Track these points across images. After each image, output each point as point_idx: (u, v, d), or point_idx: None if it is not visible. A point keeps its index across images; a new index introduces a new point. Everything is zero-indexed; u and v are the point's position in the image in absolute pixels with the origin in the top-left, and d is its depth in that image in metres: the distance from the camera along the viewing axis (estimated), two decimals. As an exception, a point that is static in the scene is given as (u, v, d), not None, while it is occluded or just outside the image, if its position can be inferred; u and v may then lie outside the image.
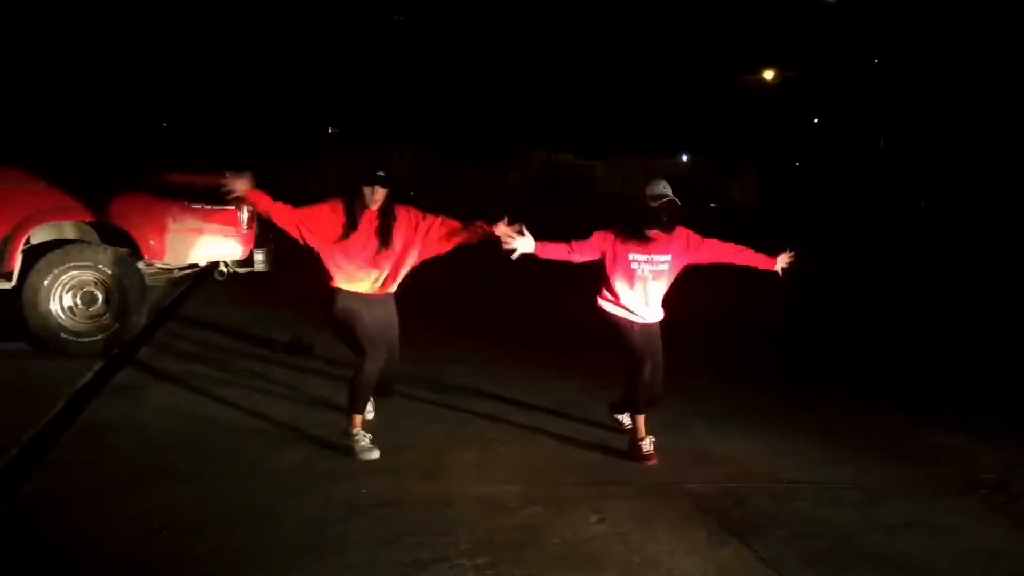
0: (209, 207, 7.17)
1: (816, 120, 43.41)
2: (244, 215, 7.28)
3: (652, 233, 5.20)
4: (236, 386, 6.36)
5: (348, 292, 5.07)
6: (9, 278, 6.93)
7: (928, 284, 14.35)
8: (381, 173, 4.98)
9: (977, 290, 13.56)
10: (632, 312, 5.34)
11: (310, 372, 6.86)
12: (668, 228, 5.21)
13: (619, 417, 5.70)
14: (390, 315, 5.25)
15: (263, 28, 29.75)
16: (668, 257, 5.30)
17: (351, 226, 5.00)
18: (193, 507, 4.25)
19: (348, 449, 5.02)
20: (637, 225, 5.24)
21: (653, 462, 5.17)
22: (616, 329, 5.36)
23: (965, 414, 6.59)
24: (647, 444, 5.25)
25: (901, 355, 8.90)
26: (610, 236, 5.30)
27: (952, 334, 9.99)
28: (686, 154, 42.84)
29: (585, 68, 36.03)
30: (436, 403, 6.18)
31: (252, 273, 7.69)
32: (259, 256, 7.48)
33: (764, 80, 39.79)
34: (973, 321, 10.88)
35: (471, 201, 11.18)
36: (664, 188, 5.21)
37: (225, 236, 7.28)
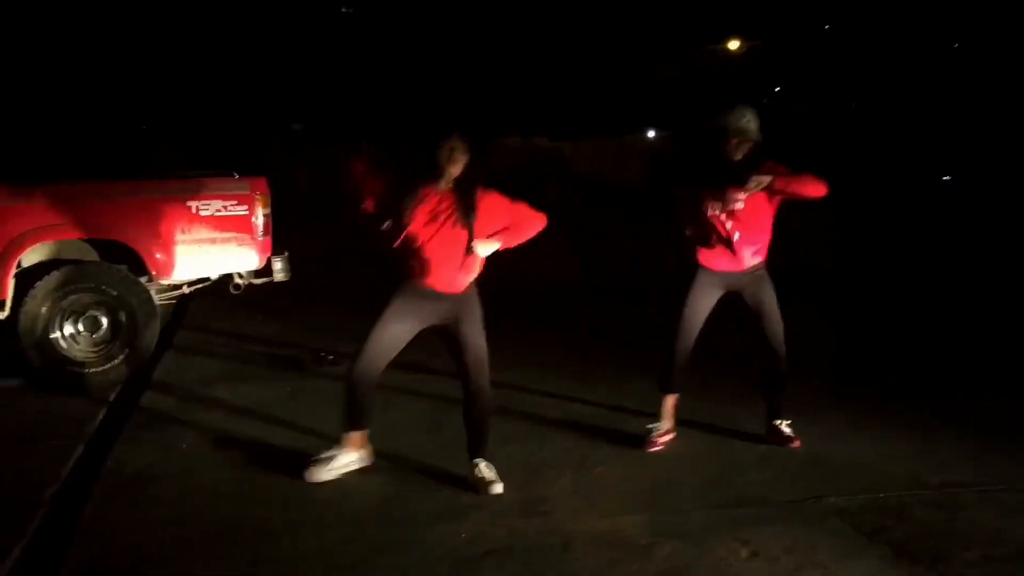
0: (220, 213, 6.43)
1: (777, 88, 43.11)
2: (259, 220, 6.54)
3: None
4: (270, 412, 5.59)
5: None
6: (1, 307, 6.12)
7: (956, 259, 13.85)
8: None
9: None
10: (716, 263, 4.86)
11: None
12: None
13: (779, 425, 5.02)
14: None
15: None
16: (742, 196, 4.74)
17: None
18: (277, 572, 3.55)
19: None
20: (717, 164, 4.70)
21: (656, 448, 4.90)
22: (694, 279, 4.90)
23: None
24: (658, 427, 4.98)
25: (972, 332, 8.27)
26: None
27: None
28: (652, 130, 42.35)
29: (548, 48, 35.34)
30: (502, 416, 5.47)
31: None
32: (278, 264, 6.74)
33: (729, 51, 39.37)
34: None
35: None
36: (744, 121, 4.64)
37: (239, 245, 6.53)
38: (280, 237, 6.90)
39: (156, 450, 4.94)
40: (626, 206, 18.32)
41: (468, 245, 4.23)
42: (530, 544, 3.78)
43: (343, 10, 37.83)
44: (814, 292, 9.55)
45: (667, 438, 4.99)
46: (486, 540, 3.81)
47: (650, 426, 5.01)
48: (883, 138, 32.11)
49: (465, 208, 4.23)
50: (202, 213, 6.41)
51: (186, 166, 7.21)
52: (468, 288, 4.37)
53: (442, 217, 4.23)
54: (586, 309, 9.09)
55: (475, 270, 4.36)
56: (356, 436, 4.52)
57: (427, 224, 4.23)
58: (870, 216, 17.46)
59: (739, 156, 4.69)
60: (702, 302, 4.94)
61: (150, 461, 4.77)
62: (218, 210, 6.43)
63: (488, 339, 4.39)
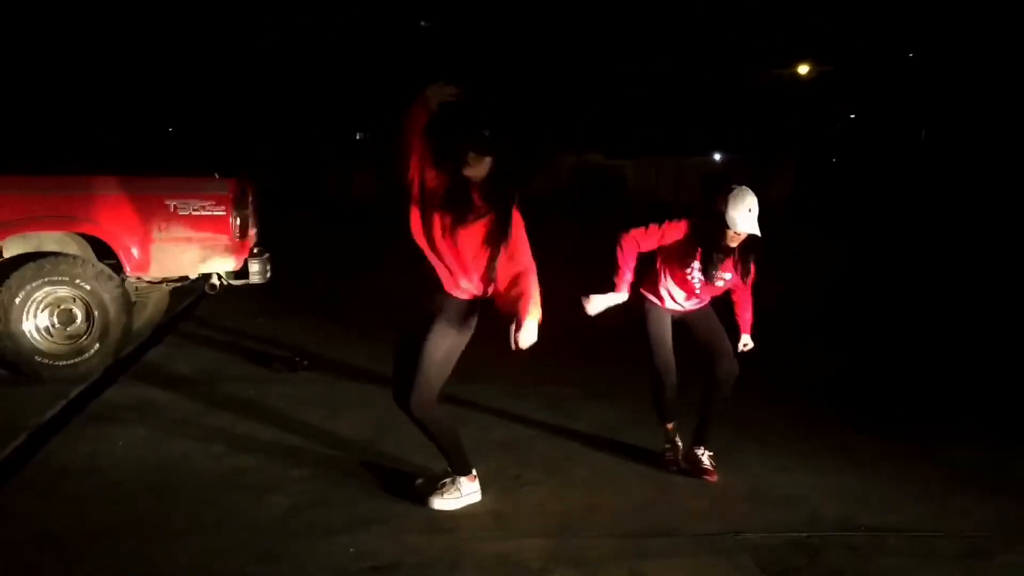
0: (198, 213, 6.46)
1: (852, 116, 42.26)
2: (236, 221, 6.55)
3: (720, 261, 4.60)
4: (225, 415, 5.59)
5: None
6: (-24, 297, 6.25)
7: (975, 283, 13.36)
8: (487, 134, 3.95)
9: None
10: (672, 300, 4.77)
11: (313, 395, 6.10)
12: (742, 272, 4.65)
13: (698, 453, 4.83)
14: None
15: (286, 30, 29.16)
16: (728, 276, 4.67)
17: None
18: (149, 573, 3.49)
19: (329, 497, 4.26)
20: (709, 243, 4.56)
21: (675, 468, 4.82)
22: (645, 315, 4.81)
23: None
24: (669, 449, 4.87)
25: (967, 366, 7.93)
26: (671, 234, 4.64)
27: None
28: (718, 152, 41.85)
29: (612, 66, 35.14)
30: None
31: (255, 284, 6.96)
32: (254, 267, 6.73)
33: (798, 75, 38.71)
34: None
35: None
36: (747, 218, 4.45)
37: (216, 245, 6.55)
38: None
39: (92, 445, 4.95)
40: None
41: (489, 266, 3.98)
42: (420, 562, 3.67)
43: (422, 24, 38.27)
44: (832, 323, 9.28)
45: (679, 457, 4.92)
46: (376, 555, 3.70)
47: (667, 445, 4.94)
48: (952, 167, 31.29)
49: (500, 227, 3.96)
50: (180, 212, 6.44)
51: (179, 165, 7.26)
52: (468, 299, 4.11)
53: (472, 226, 3.97)
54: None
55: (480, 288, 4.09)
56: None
57: (454, 226, 3.97)
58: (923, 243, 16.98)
59: (734, 245, 4.60)
60: (662, 328, 4.83)
61: (81, 456, 4.78)
62: (196, 209, 6.46)
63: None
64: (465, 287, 4.05)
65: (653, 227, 4.66)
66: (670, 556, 3.78)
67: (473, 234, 3.97)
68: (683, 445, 4.90)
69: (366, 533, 3.92)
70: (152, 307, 7.82)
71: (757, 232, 4.48)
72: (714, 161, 41.44)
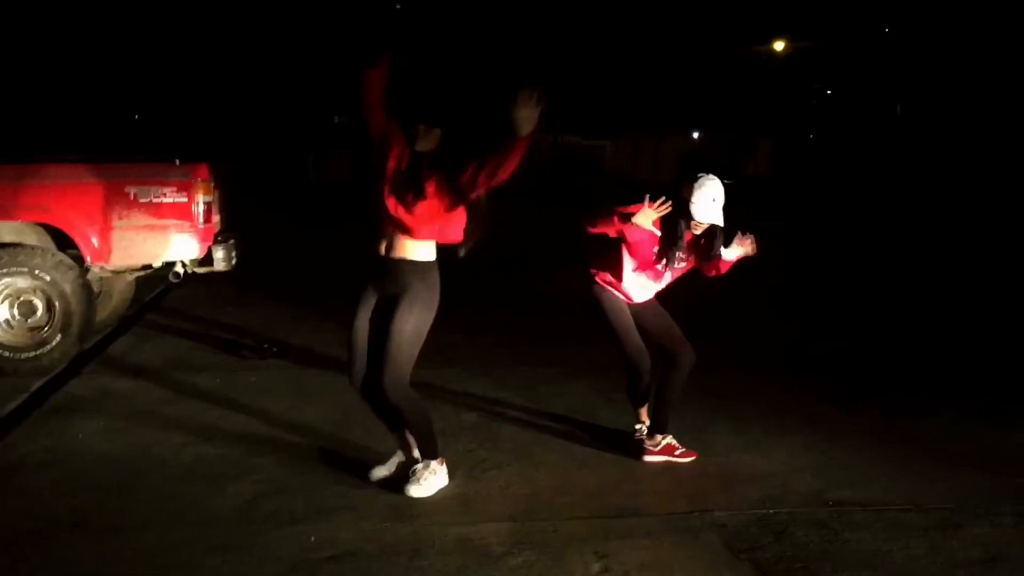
0: (159, 200, 6.34)
1: (829, 92, 42.27)
2: (200, 208, 6.43)
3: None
4: (190, 405, 5.51)
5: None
6: (-66, 290, 6.13)
7: (950, 262, 13.40)
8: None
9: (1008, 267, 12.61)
10: (629, 295, 4.69)
11: (281, 383, 6.02)
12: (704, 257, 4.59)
13: (644, 438, 4.78)
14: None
15: (260, 13, 28.85)
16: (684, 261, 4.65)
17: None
18: (96, 570, 3.41)
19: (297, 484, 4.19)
20: (672, 229, 4.50)
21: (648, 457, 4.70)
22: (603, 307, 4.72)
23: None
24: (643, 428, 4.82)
25: (940, 342, 7.94)
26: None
27: (994, 317, 9.06)
28: (697, 131, 41.79)
29: (587, 44, 34.98)
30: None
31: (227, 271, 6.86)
32: (218, 254, 6.61)
33: (774, 51, 38.69)
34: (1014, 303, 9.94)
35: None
36: (710, 208, 4.39)
37: (179, 232, 6.43)
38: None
39: (50, 438, 4.85)
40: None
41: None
42: (380, 549, 3.60)
43: (396, 6, 37.96)
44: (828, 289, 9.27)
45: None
46: (335, 544, 3.63)
47: (636, 427, 4.89)
48: (928, 142, 31.36)
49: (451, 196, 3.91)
50: (140, 199, 6.32)
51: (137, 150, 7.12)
52: (411, 264, 4.00)
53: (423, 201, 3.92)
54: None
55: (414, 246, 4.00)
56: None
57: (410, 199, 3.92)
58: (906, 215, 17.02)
59: (698, 232, 4.56)
60: (623, 316, 4.76)
61: (38, 449, 4.68)
62: (156, 196, 6.34)
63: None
64: (420, 248, 4.00)
65: (613, 218, 4.56)
66: (635, 536, 3.72)
67: (426, 207, 3.92)
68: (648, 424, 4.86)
69: (328, 521, 3.85)
70: (117, 297, 7.69)
71: (719, 223, 4.43)
72: (692, 139, 41.47)
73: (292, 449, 4.74)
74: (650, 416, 4.79)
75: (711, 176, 4.45)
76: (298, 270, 11.30)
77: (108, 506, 4.01)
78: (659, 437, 4.68)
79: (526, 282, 10.17)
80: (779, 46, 38.50)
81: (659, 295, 4.81)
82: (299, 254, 12.78)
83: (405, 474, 4.22)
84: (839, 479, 4.38)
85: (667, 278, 4.69)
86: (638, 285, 4.69)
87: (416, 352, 4.04)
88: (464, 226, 4.02)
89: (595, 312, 4.76)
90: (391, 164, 3.96)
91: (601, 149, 37.18)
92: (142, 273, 6.81)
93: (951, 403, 5.81)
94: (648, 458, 4.62)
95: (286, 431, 5.05)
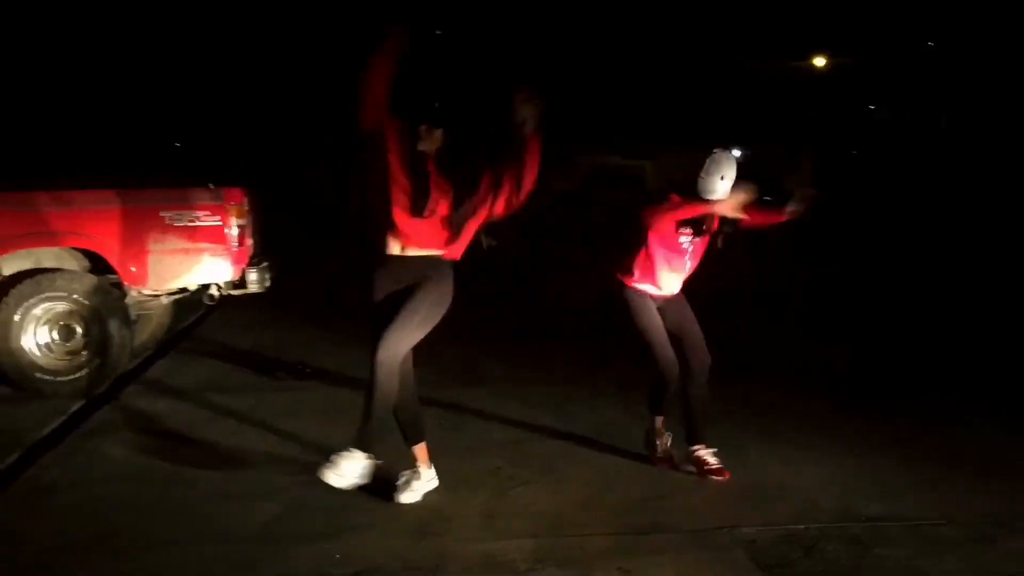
0: (194, 224, 6.43)
1: (872, 106, 41.82)
2: (233, 231, 6.51)
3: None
4: (222, 426, 5.56)
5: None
6: (-25, 315, 6.26)
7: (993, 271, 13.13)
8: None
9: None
10: (658, 287, 4.69)
11: (313, 403, 6.05)
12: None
13: (702, 453, 4.68)
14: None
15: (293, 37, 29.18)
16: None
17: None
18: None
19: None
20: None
21: (664, 466, 4.73)
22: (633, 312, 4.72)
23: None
24: (662, 442, 4.76)
25: (976, 351, 7.77)
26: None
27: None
28: (738, 148, 41.63)
29: (624, 65, 34.98)
30: (444, 431, 5.30)
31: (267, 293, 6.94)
32: (252, 276, 6.67)
33: (814, 67, 38.39)
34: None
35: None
36: (719, 185, 4.42)
37: (213, 256, 6.51)
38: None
39: (84, 459, 4.92)
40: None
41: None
42: (404, 565, 3.60)
43: (436, 32, 38.38)
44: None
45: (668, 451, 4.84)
46: (359, 560, 3.64)
47: (657, 441, 4.86)
48: (974, 155, 30.88)
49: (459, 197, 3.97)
50: (175, 224, 6.42)
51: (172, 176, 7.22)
52: (426, 259, 4.06)
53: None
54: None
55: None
56: (420, 449, 4.32)
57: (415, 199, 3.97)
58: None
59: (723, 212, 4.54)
60: (653, 316, 4.74)
61: (71, 470, 4.75)
62: (191, 220, 6.43)
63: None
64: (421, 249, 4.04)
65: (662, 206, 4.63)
66: (662, 553, 3.68)
67: (436, 223, 3.98)
68: (666, 441, 4.85)
69: (353, 538, 3.85)
70: (155, 321, 7.78)
71: (722, 198, 4.41)
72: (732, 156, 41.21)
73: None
74: (687, 429, 4.74)
75: (726, 152, 4.45)
76: (335, 290, 11.39)
77: (136, 525, 4.04)
78: (697, 451, 4.63)
79: (555, 297, 10.15)
80: (819, 62, 38.21)
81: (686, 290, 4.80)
82: (335, 274, 12.87)
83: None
84: (870, 493, 4.30)
85: (689, 258, 4.68)
86: (667, 269, 4.67)
87: (416, 339, 4.06)
88: (469, 240, 4.05)
89: (625, 319, 4.75)
90: (394, 167, 3.93)
91: (641, 169, 37.08)
92: (179, 296, 6.90)
93: (983, 411, 5.68)
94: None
95: (314, 451, 5.04)
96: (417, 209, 3.91)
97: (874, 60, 36.66)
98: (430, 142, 3.96)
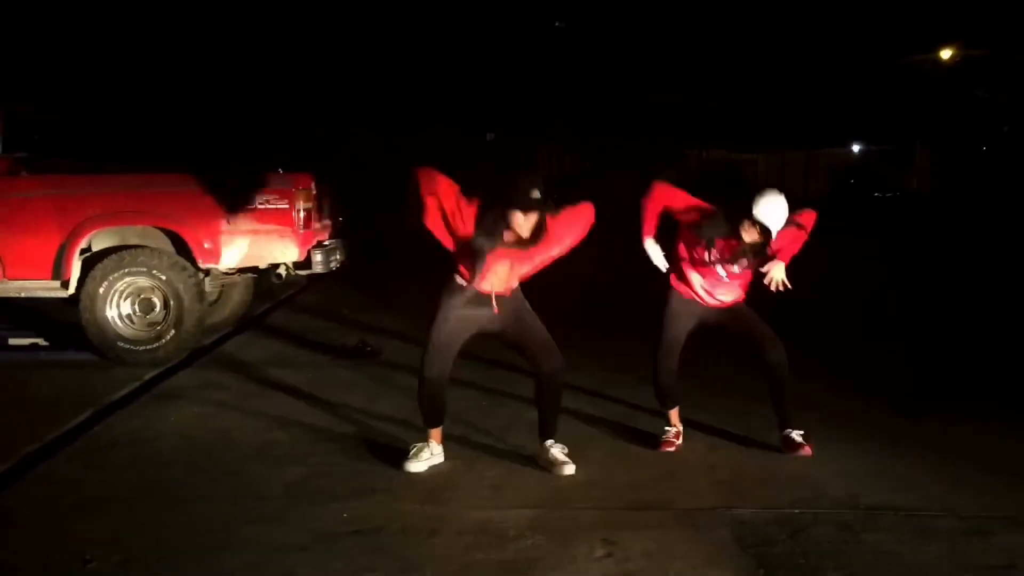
0: (263, 207, 6.83)
1: (1005, 100, 39.93)
2: (300, 214, 6.88)
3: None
4: (277, 396, 5.92)
5: None
6: (67, 286, 6.80)
7: None
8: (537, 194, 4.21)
9: None
10: (699, 295, 4.80)
11: (367, 379, 6.36)
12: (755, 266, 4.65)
13: (790, 434, 4.78)
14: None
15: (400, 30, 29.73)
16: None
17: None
18: (148, 535, 3.76)
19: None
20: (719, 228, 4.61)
21: (670, 448, 4.84)
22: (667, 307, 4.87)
23: None
24: (672, 432, 4.90)
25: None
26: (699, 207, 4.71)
27: None
28: (856, 143, 40.35)
29: (737, 54, 34.37)
30: (482, 412, 5.53)
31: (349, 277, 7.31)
32: (317, 257, 7.05)
33: (939, 59, 36.90)
34: None
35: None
36: (770, 210, 4.44)
37: (281, 237, 6.90)
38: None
39: (145, 420, 5.36)
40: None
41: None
42: (403, 527, 3.83)
43: (556, 24, 38.49)
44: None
45: (679, 440, 4.94)
46: (364, 520, 3.88)
47: (666, 428, 4.98)
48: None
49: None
50: (246, 206, 6.82)
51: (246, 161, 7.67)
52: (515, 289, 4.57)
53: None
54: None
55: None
56: (435, 431, 4.65)
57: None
58: None
59: (748, 239, 4.58)
60: (679, 327, 4.88)
61: (132, 429, 5.17)
62: (261, 203, 6.82)
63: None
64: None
65: (685, 193, 4.74)
66: (649, 528, 3.80)
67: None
68: (677, 428, 4.98)
69: (365, 501, 4.10)
70: (235, 299, 8.26)
71: (772, 227, 4.42)
72: (850, 152, 40.05)
73: (354, 438, 5.03)
74: (776, 413, 4.84)
75: (777, 192, 4.49)
76: (415, 276, 11.76)
77: (176, 480, 4.41)
78: (786, 432, 4.75)
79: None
80: (946, 54, 36.72)
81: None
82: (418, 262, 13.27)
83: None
84: (883, 485, 4.28)
85: (725, 280, 4.72)
86: (699, 284, 4.75)
87: (436, 336, 4.48)
88: None
89: (658, 310, 4.88)
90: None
91: (752, 163, 36.47)
92: (252, 275, 7.33)
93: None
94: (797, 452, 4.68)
95: (355, 422, 5.36)
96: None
97: (1005, 52, 35.01)
98: (526, 226, 4.26)
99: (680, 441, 4.92)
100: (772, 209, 4.41)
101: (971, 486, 4.30)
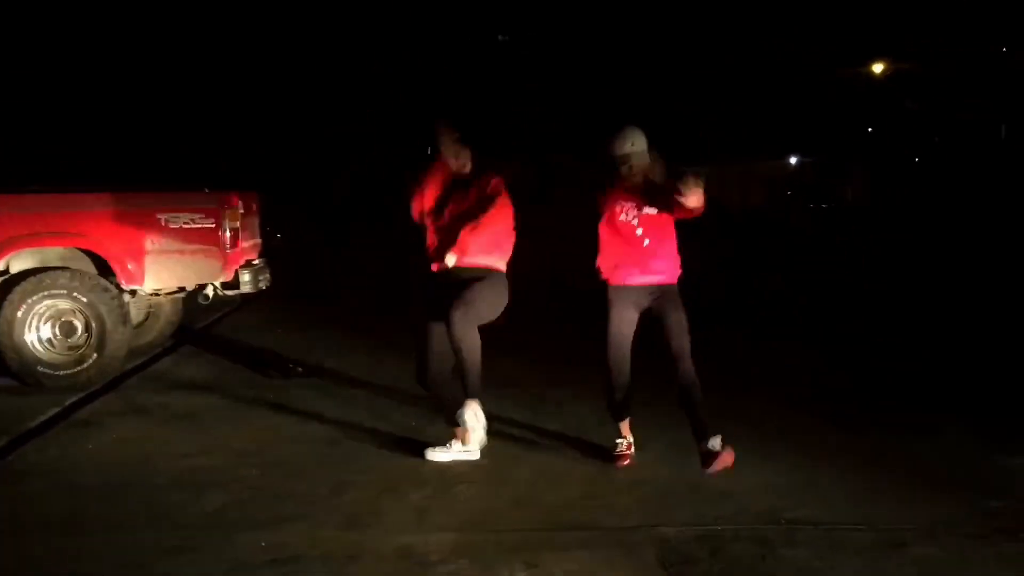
0: (188, 226, 6.70)
1: (922, 112, 40.90)
2: (226, 233, 6.77)
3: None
4: (204, 420, 5.82)
5: None
6: (-18, 311, 6.60)
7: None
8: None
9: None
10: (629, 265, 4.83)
11: (297, 401, 6.25)
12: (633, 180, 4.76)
13: (707, 444, 4.64)
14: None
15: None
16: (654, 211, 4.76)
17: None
18: (61, 568, 3.65)
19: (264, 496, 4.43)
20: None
21: (626, 463, 4.86)
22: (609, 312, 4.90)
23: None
24: (623, 444, 4.92)
25: (955, 358, 7.75)
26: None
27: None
28: (793, 156, 41.04)
29: (675, 69, 34.79)
30: (408, 430, 5.48)
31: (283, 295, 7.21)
32: (245, 277, 6.94)
33: (872, 73, 37.75)
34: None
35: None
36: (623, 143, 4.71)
37: (207, 257, 6.78)
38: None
39: (62, 449, 5.20)
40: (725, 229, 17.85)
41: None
42: (322, 555, 3.76)
43: (499, 38, 38.54)
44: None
45: (631, 451, 4.94)
46: (282, 549, 3.80)
47: (617, 440, 4.97)
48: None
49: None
50: (170, 226, 6.69)
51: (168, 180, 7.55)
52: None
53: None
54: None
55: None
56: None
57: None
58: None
59: (639, 180, 4.72)
60: (624, 321, 4.88)
61: (47, 459, 5.03)
62: (186, 223, 6.70)
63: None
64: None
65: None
66: (572, 549, 3.78)
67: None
68: (629, 439, 4.97)
69: (284, 528, 4.02)
70: (164, 320, 8.10)
71: (635, 147, 4.66)
72: (787, 164, 40.71)
73: (278, 463, 4.94)
74: (692, 427, 4.76)
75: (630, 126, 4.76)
76: (355, 296, 11.70)
77: (91, 511, 4.28)
78: (706, 444, 4.63)
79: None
80: (878, 68, 37.58)
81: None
82: (359, 281, 13.19)
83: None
84: (806, 499, 4.32)
85: (645, 241, 4.77)
86: (625, 253, 4.80)
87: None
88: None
89: (602, 317, 4.90)
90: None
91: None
92: (179, 296, 7.19)
93: (962, 426, 5.60)
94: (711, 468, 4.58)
95: (283, 445, 5.27)
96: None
97: (934, 66, 35.92)
98: (461, 160, 4.96)
99: (633, 452, 4.91)
100: (620, 137, 4.70)
101: (891, 498, 4.35)
